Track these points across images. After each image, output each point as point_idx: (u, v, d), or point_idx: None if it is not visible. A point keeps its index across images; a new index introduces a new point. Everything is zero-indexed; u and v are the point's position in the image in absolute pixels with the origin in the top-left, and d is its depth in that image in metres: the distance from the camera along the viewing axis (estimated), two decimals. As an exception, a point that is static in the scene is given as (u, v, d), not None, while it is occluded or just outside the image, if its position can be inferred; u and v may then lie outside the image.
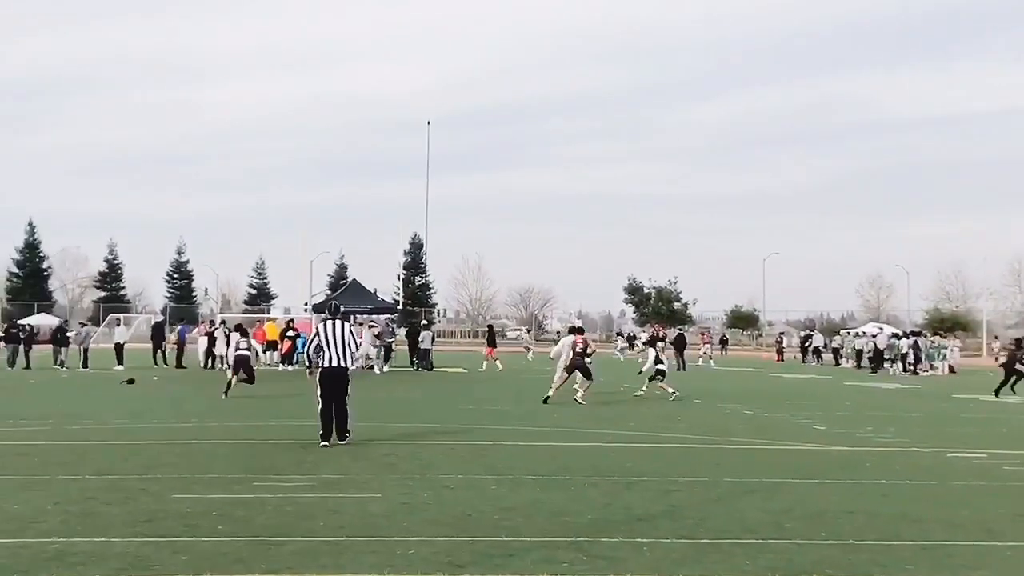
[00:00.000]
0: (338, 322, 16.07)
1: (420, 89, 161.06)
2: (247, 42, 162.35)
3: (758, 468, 13.84)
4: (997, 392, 30.36)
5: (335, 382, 15.71)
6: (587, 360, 24.94)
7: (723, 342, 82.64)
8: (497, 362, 43.59)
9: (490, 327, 51.21)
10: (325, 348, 15.76)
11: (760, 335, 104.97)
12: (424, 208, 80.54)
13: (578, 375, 24.81)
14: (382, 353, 40.69)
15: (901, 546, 8.97)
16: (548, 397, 24.61)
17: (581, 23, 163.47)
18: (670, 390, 26.83)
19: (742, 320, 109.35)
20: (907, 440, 17.57)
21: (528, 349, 58.69)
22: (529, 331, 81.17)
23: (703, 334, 62.48)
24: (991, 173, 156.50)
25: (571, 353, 25.05)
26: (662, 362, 27.85)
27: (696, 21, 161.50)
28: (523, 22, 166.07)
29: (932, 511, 10.73)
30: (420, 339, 42.66)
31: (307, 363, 16.54)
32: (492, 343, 45.45)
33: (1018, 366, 30.93)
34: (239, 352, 26.31)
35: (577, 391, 24.53)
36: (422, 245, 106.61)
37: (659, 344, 28.52)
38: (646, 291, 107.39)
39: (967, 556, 8.66)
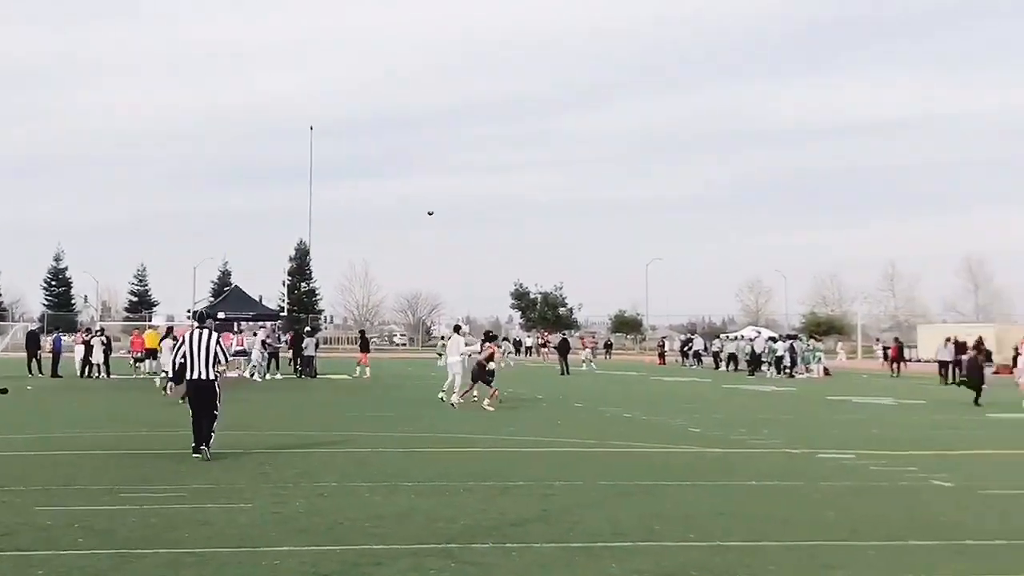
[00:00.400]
0: (204, 332, 15.34)
1: (308, 95, 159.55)
2: (129, 46, 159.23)
3: (633, 471, 13.95)
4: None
5: (199, 394, 15.07)
6: (488, 367, 24.95)
7: (607, 346, 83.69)
8: (359, 368, 43.05)
9: (362, 332, 51.12)
10: (189, 359, 15.10)
11: (643, 339, 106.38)
12: (308, 213, 79.86)
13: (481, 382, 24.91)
14: (267, 360, 40.22)
15: (767, 547, 9.12)
16: (486, 403, 24.53)
17: (474, 31, 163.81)
18: (475, 394, 25.88)
19: (626, 324, 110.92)
20: (779, 442, 17.89)
21: (440, 356, 58.34)
22: (443, 337, 79.88)
23: (583, 339, 63.00)
24: (866, 182, 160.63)
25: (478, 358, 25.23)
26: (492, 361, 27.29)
27: (586, 33, 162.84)
28: (413, 29, 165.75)
29: (799, 512, 10.93)
30: (303, 346, 42.23)
31: (170, 374, 15.87)
32: (365, 349, 45.26)
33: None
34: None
35: (480, 398, 24.57)
36: (308, 251, 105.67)
37: (501, 345, 28.21)
38: (532, 296, 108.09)
39: (831, 556, 8.83)
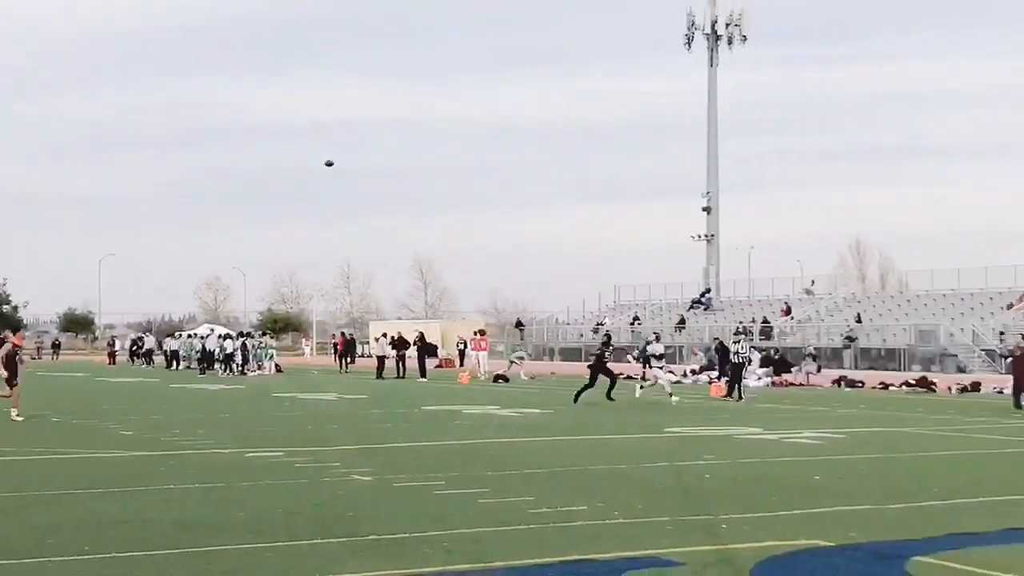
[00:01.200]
0: None
1: None
2: None
3: (43, 481, 13.08)
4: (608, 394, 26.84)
5: None
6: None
7: (55, 346, 80.00)
8: None
9: None
10: None
11: (96, 339, 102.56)
12: None
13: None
14: None
15: (169, 555, 8.71)
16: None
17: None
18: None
19: (77, 323, 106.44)
20: (212, 441, 17.57)
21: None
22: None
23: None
24: (324, 182, 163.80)
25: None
26: None
27: (50, 16, 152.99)
28: None
29: (211, 515, 10.62)
30: None
31: None
32: None
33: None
34: None
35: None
36: None
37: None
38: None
39: (231, 560, 8.56)
